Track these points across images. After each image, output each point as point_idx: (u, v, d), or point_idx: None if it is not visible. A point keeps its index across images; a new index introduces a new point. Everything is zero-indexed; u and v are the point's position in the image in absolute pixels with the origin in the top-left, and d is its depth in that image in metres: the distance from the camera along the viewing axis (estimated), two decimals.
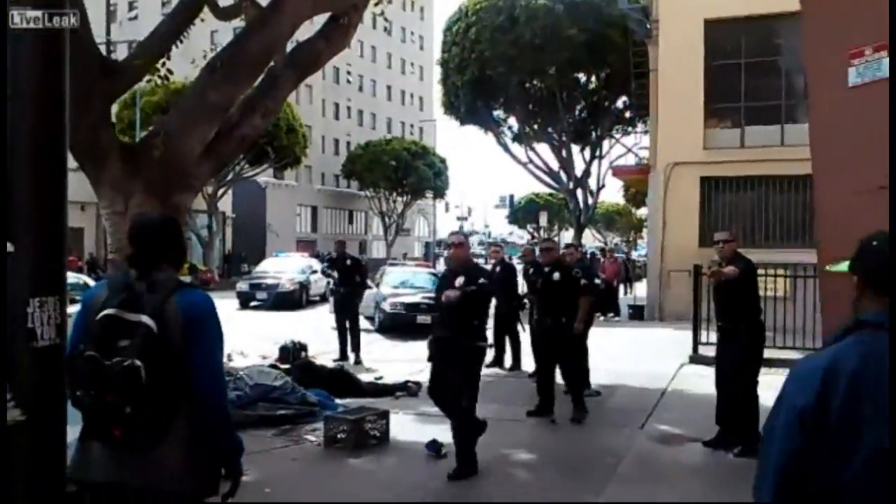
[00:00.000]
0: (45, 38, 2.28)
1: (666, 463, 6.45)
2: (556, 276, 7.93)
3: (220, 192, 38.29)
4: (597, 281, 20.20)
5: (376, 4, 9.34)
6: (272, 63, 8.94)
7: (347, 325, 12.34)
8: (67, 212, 2.27)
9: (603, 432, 7.47)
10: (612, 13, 23.11)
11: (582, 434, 7.34)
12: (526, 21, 24.82)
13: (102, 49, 25.58)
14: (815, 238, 6.32)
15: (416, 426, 7.60)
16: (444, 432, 7.12)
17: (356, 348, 12.23)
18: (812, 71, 5.40)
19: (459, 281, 6.02)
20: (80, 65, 7.10)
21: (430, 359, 6.38)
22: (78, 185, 7.68)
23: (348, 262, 12.82)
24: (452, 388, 6.08)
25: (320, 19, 9.63)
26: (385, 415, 7.11)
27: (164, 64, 7.58)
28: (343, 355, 12.17)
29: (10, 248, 2.11)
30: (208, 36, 31.64)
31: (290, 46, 9.50)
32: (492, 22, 25.53)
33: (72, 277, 11.98)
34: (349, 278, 12.54)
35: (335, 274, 13.00)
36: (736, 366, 6.56)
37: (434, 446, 6.56)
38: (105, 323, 2.50)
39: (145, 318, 2.47)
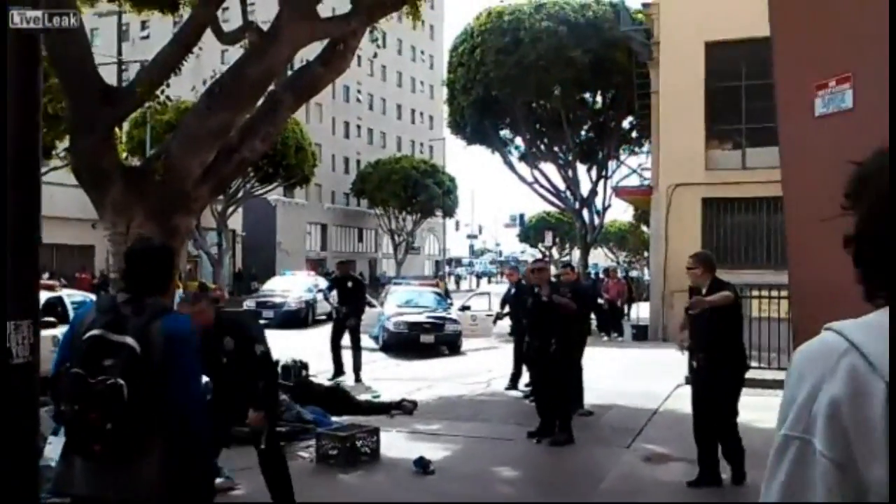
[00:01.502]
0: (22, 58, 2.44)
1: (648, 481, 6.58)
2: (544, 297, 7.95)
3: (230, 210, 38.64)
4: (600, 301, 20.51)
5: (371, 31, 9.55)
6: (272, 87, 9.19)
7: (349, 344, 12.42)
8: (39, 251, 2.50)
9: (590, 451, 7.59)
10: (615, 35, 23.35)
11: (568, 452, 7.46)
12: (530, 42, 25.10)
13: (114, 69, 25.85)
14: (787, 261, 6.41)
15: (406, 443, 7.74)
16: (432, 450, 7.31)
17: (357, 368, 12.31)
18: (781, 99, 5.56)
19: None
20: (81, 92, 7.41)
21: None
22: (88, 204, 7.94)
23: (349, 283, 12.89)
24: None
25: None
26: (375, 432, 7.26)
27: (163, 91, 7.82)
28: (338, 372, 12.20)
29: None
30: (219, 55, 32.06)
31: (291, 70, 9.79)
32: (496, 43, 25.83)
33: (79, 297, 12.23)
34: (350, 299, 12.63)
35: (333, 295, 13.05)
36: (721, 397, 6.17)
37: (421, 463, 6.71)
38: (91, 343, 2.67)
39: (129, 340, 2.64)
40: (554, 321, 7.87)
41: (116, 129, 8.54)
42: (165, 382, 2.67)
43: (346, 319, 12.50)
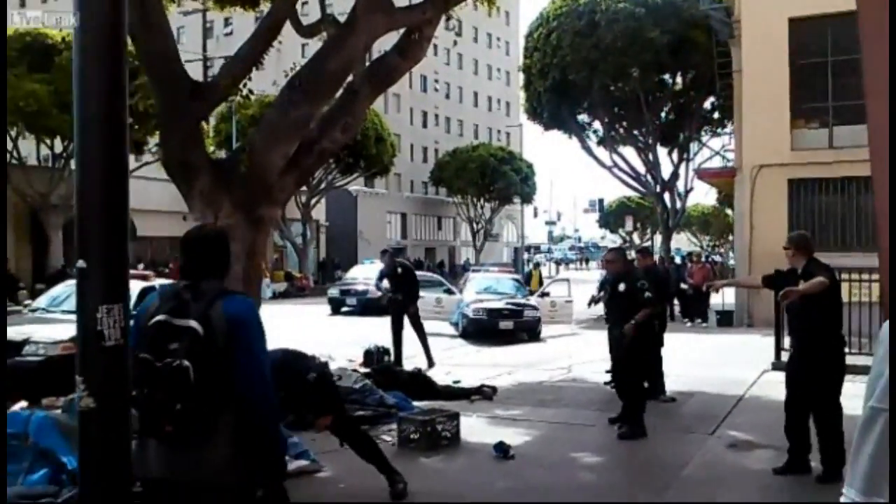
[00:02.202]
0: (111, 58, 2.58)
1: (732, 469, 6.46)
2: (622, 287, 7.81)
3: (314, 201, 39.46)
4: (683, 286, 20.11)
5: (448, 20, 9.59)
6: (350, 78, 9.34)
7: (413, 330, 12.40)
8: (128, 232, 2.66)
9: (673, 437, 7.51)
10: (694, 14, 22.78)
11: (651, 439, 7.39)
12: (607, 24, 24.73)
13: (199, 65, 26.64)
14: (877, 243, 6.17)
15: (486, 428, 7.81)
16: (512, 435, 7.36)
17: (427, 352, 12.34)
18: (869, 74, 5.36)
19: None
20: (169, 87, 7.70)
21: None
22: (179, 197, 8.26)
23: (399, 270, 12.76)
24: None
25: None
26: (456, 416, 7.35)
27: (245, 85, 8.05)
28: (398, 361, 12.03)
29: (82, 263, 2.49)
30: (300, 49, 32.67)
31: (368, 59, 9.90)
32: (572, 27, 25.53)
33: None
34: (402, 286, 12.53)
35: (385, 284, 12.85)
36: (815, 385, 5.89)
37: (501, 448, 6.77)
38: (157, 328, 2.77)
39: (192, 323, 2.73)
40: (627, 309, 7.73)
41: (203, 124, 8.85)
42: (231, 363, 2.74)
43: (405, 307, 12.42)
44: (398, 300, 12.51)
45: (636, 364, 7.81)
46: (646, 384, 8.29)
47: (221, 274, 2.99)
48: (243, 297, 3.00)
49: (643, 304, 7.70)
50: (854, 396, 6.15)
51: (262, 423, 2.81)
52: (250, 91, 8.20)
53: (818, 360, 5.88)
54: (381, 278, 13.17)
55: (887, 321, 1.31)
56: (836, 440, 5.74)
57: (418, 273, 15.06)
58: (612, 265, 8.24)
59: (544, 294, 20.57)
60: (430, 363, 12.20)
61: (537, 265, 27.77)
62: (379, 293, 12.84)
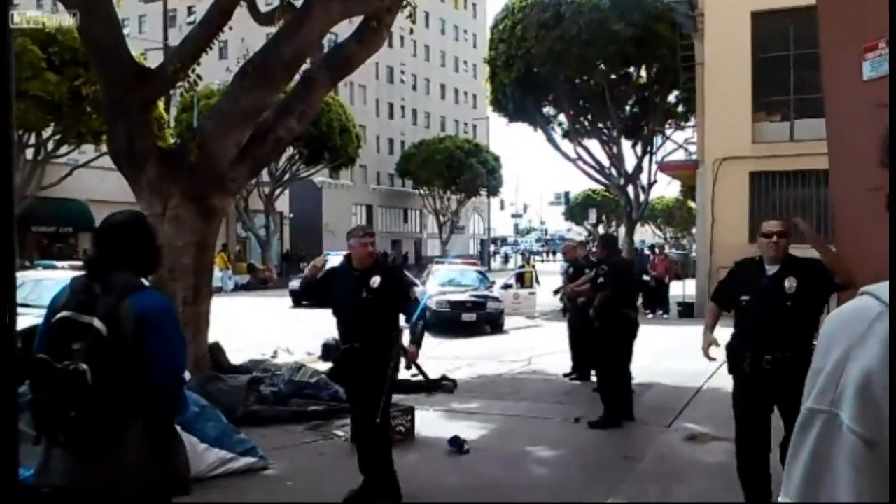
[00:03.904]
0: None
1: (687, 462, 6.42)
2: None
3: (277, 192, 39.01)
4: (646, 278, 20.16)
5: (405, 8, 9.43)
6: (306, 66, 9.15)
7: None
8: (14, 224, 2.40)
9: (629, 430, 7.45)
10: (658, 7, 22.83)
11: (607, 432, 7.33)
12: (572, 17, 24.65)
13: (160, 53, 26.19)
14: (831, 234, 6.13)
15: (442, 422, 7.70)
16: (467, 429, 7.26)
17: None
18: (827, 64, 5.32)
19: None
20: (114, 75, 7.46)
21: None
22: (128, 188, 8.02)
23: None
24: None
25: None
26: (410, 411, 7.22)
27: (194, 70, 7.82)
28: None
29: None
30: (263, 38, 32.28)
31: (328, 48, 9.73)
32: (538, 19, 25.40)
33: None
34: None
35: None
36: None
37: (456, 442, 6.65)
38: (60, 325, 2.53)
39: (96, 322, 2.49)
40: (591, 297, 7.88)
41: (164, 114, 8.60)
42: (140, 364, 2.51)
43: None
44: None
45: (607, 354, 7.79)
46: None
47: (137, 265, 2.71)
48: (157, 292, 2.78)
49: (598, 288, 7.76)
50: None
51: (164, 426, 2.63)
52: (198, 77, 7.96)
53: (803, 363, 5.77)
54: None
55: (834, 311, 1.19)
56: None
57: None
58: (571, 252, 8.37)
59: (507, 286, 20.50)
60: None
61: (529, 259, 24.45)
62: None
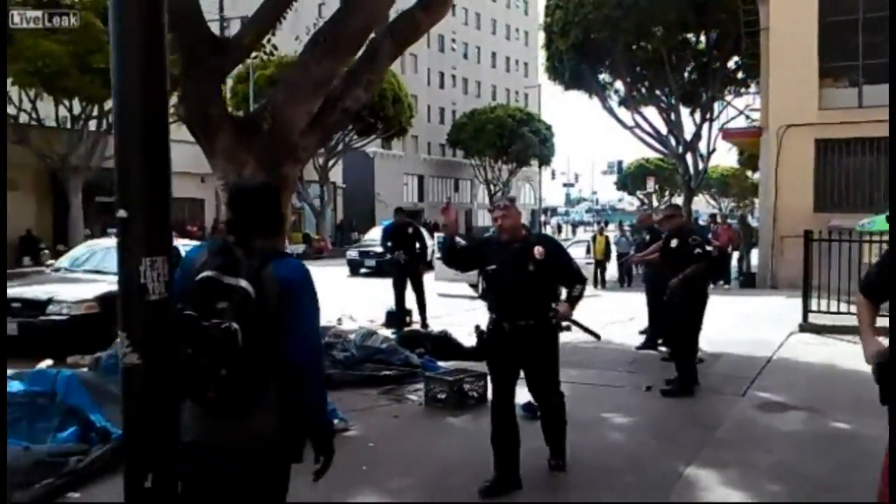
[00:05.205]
0: (150, 26, 2.43)
1: (764, 430, 6.37)
2: (674, 243, 7.89)
3: (331, 162, 39.32)
4: (709, 248, 19.88)
5: None
6: (372, 35, 9.15)
7: (413, 290, 12.08)
8: (171, 182, 2.52)
9: (703, 399, 7.41)
10: None
11: (681, 400, 7.30)
12: None
13: (216, 26, 26.44)
14: None
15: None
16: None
17: (423, 312, 12.12)
18: None
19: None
20: (190, 43, 7.56)
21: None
22: (198, 158, 8.17)
23: (410, 230, 12.37)
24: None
25: None
26: (483, 377, 7.25)
27: (269, 40, 7.89)
28: (402, 319, 11.85)
29: (123, 213, 2.36)
30: (316, 9, 32.33)
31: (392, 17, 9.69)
32: None
33: (192, 246, 12.67)
34: (411, 247, 12.17)
35: (388, 245, 12.38)
36: None
37: (529, 408, 6.68)
38: (204, 284, 2.55)
39: (244, 283, 2.51)
40: (680, 266, 7.85)
41: (221, 84, 8.71)
42: (280, 329, 2.53)
43: (415, 267, 12.13)
44: (405, 260, 12.10)
45: (685, 322, 7.78)
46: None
47: (273, 232, 2.75)
48: (297, 260, 2.78)
49: (694, 259, 7.73)
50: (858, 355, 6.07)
51: (309, 393, 2.63)
52: (274, 47, 8.02)
53: None
54: (385, 237, 12.78)
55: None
56: None
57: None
58: (671, 220, 8.38)
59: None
60: (424, 324, 11.93)
61: (602, 229, 23.64)
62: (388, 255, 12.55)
